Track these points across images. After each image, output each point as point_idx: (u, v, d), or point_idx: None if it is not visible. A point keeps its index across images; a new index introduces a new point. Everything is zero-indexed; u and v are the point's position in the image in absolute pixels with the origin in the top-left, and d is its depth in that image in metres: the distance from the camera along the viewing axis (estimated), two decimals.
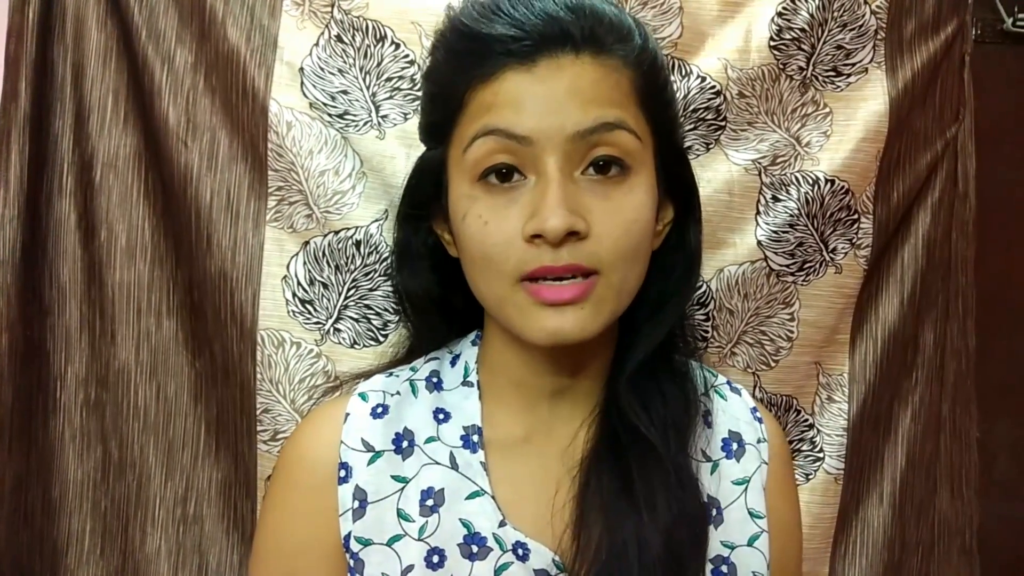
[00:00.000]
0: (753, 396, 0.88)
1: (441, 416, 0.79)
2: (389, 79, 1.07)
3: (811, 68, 1.12)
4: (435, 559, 0.73)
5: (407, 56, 1.07)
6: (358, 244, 1.07)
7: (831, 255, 1.13)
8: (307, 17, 1.08)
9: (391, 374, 0.84)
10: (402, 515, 0.75)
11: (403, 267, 0.87)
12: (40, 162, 1.08)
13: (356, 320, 1.08)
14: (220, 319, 1.08)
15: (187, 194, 1.07)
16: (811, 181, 1.10)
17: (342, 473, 0.76)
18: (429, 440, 0.77)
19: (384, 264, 1.07)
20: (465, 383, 0.81)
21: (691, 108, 1.08)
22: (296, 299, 1.08)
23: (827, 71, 1.12)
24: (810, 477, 1.15)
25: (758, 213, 1.11)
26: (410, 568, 0.73)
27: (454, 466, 0.76)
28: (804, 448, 1.15)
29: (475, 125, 0.71)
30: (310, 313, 1.08)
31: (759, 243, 1.11)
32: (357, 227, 1.07)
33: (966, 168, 1.19)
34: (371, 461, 0.76)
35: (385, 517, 0.74)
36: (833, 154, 1.11)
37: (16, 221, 1.05)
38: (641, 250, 0.72)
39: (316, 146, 1.07)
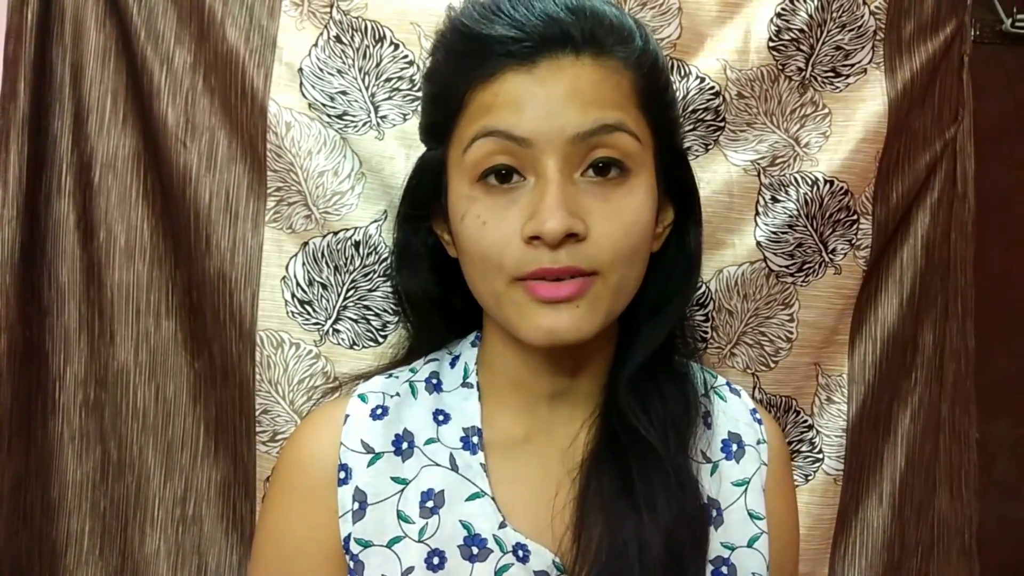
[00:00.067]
0: (752, 397, 0.88)
1: (441, 417, 0.79)
2: (388, 80, 1.07)
3: (810, 69, 1.12)
4: (435, 561, 0.73)
5: (406, 57, 1.07)
6: (357, 245, 1.07)
7: (830, 256, 1.13)
8: (306, 17, 1.08)
9: (390, 375, 0.84)
10: (402, 517, 0.75)
11: (403, 267, 0.87)
12: (39, 162, 1.08)
13: (355, 321, 1.08)
14: (219, 320, 1.08)
15: (186, 195, 1.07)
16: (810, 182, 1.10)
17: (342, 475, 0.75)
18: (429, 441, 0.77)
19: (383, 265, 1.07)
20: (465, 384, 0.81)
21: (690, 109, 1.08)
22: (295, 300, 1.08)
23: (826, 72, 1.12)
24: (809, 478, 1.15)
25: (757, 214, 1.11)
26: (410, 570, 0.73)
27: (454, 467, 0.76)
28: (803, 449, 1.15)
29: (475, 126, 0.71)
30: (309, 314, 1.08)
31: (758, 244, 1.11)
32: (356, 228, 1.07)
33: (965, 169, 1.19)
34: (371, 463, 0.76)
35: (385, 519, 0.74)
36: (832, 155, 1.11)
37: (15, 221, 1.05)
38: (640, 252, 0.72)
39: (315, 147, 1.07)
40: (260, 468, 1.09)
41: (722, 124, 1.10)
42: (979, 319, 1.21)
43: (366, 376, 0.86)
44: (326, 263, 1.08)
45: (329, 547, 0.75)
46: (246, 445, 1.09)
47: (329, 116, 1.07)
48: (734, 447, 0.82)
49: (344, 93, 1.07)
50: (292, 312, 1.08)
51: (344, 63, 1.07)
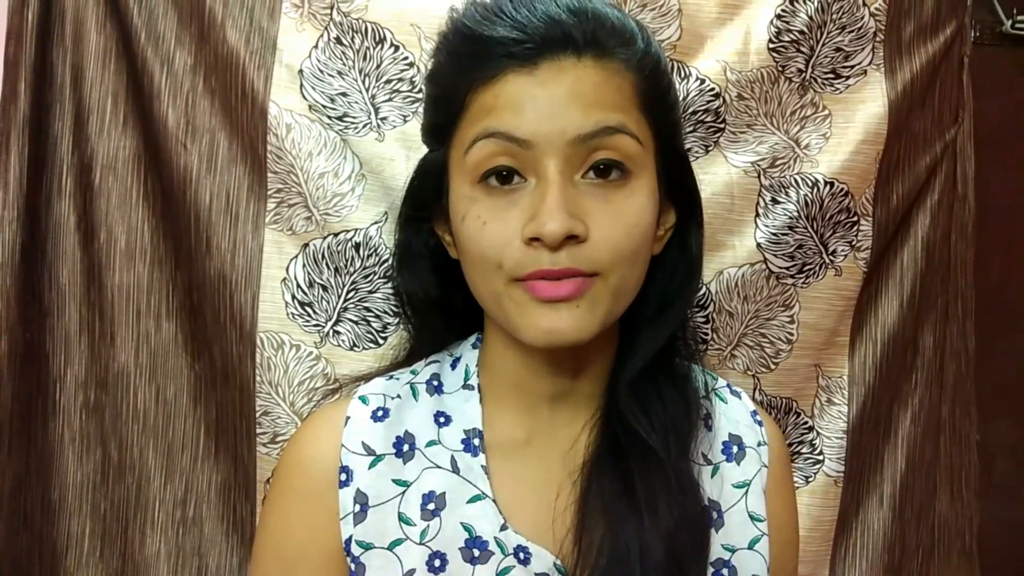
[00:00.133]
0: (753, 399, 0.88)
1: (442, 419, 0.79)
2: (388, 81, 1.07)
3: (810, 70, 1.12)
4: (436, 563, 0.73)
5: (406, 58, 1.07)
6: (357, 246, 1.07)
7: (831, 257, 1.13)
8: (306, 19, 1.08)
9: (391, 377, 0.84)
10: (403, 519, 0.74)
11: (404, 268, 0.86)
12: (39, 164, 1.08)
13: (356, 322, 1.08)
14: (219, 321, 1.08)
15: (186, 196, 1.07)
16: (810, 183, 1.10)
17: (343, 477, 0.75)
18: (430, 444, 0.77)
19: (384, 267, 1.07)
20: (466, 386, 0.81)
21: (690, 110, 1.08)
22: (295, 301, 1.08)
23: (826, 73, 1.12)
24: (810, 480, 1.15)
25: (757, 215, 1.11)
26: (411, 572, 0.73)
27: (455, 470, 0.76)
28: (804, 451, 1.15)
29: (476, 127, 0.71)
30: (309, 315, 1.08)
31: (758, 245, 1.11)
32: (356, 229, 1.07)
33: (965, 170, 1.19)
34: (372, 465, 0.76)
35: (386, 521, 0.74)
36: (832, 156, 1.11)
37: (15, 223, 1.05)
38: (641, 254, 0.72)
39: (315, 148, 1.07)
40: (260, 470, 1.09)
41: (722, 126, 1.10)
42: (979, 320, 1.21)
43: (367, 378, 0.86)
44: (326, 265, 1.08)
45: (330, 549, 0.75)
46: (246, 447, 1.09)
47: (329, 118, 1.07)
48: (735, 449, 0.81)
49: (344, 95, 1.07)
50: (292, 314, 1.08)
51: (344, 65, 1.07)
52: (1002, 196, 1.34)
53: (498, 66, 0.70)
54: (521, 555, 0.73)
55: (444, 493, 0.75)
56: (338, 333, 1.08)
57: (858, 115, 1.12)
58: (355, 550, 0.74)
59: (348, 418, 0.78)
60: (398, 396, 0.80)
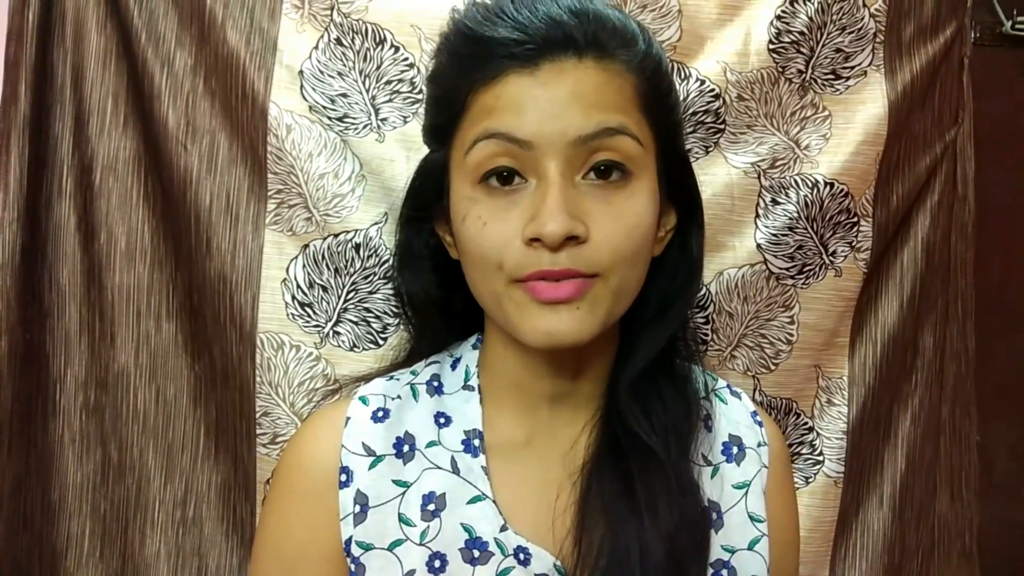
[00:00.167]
0: (753, 400, 0.88)
1: (442, 420, 0.79)
2: (389, 82, 1.07)
3: (810, 71, 1.12)
4: (436, 564, 0.73)
5: (406, 59, 1.07)
6: (357, 247, 1.07)
7: (831, 258, 1.13)
8: (307, 20, 1.08)
9: (391, 377, 0.84)
10: (403, 519, 0.74)
11: (404, 268, 0.86)
12: (40, 165, 1.08)
13: (355, 323, 1.08)
14: (219, 322, 1.08)
15: (187, 197, 1.07)
16: (810, 184, 1.10)
17: (343, 477, 0.75)
18: (430, 444, 0.77)
19: (384, 267, 1.07)
20: (466, 387, 0.81)
21: (690, 111, 1.08)
22: (295, 302, 1.08)
23: (826, 74, 1.12)
24: (810, 480, 1.15)
25: (757, 216, 1.11)
26: (411, 573, 0.73)
27: (455, 470, 0.76)
28: (804, 451, 1.15)
29: (477, 128, 0.71)
30: (309, 316, 1.08)
31: (758, 246, 1.11)
32: (356, 230, 1.07)
33: (965, 171, 1.19)
34: (372, 465, 0.76)
35: (386, 521, 0.74)
36: (832, 157, 1.11)
37: (16, 224, 1.05)
38: (641, 255, 0.72)
39: (316, 149, 1.07)
40: (260, 470, 1.09)
41: (722, 126, 1.10)
42: (979, 321, 1.21)
43: (366, 378, 0.86)
44: (326, 265, 1.08)
45: (330, 550, 0.75)
46: (246, 447, 1.10)
47: (330, 119, 1.07)
48: (735, 450, 0.81)
49: (345, 96, 1.07)
50: (292, 314, 1.08)
51: (345, 66, 1.07)
52: (1002, 197, 1.34)
53: (499, 67, 0.70)
54: (521, 556, 0.73)
55: (444, 494, 0.75)
56: (338, 334, 1.08)
57: (858, 116, 1.12)
58: (355, 551, 0.74)
59: (348, 419, 0.78)
60: (398, 397, 0.80)
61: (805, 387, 1.15)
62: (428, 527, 0.74)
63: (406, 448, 0.77)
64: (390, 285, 1.07)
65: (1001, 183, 1.33)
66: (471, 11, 0.73)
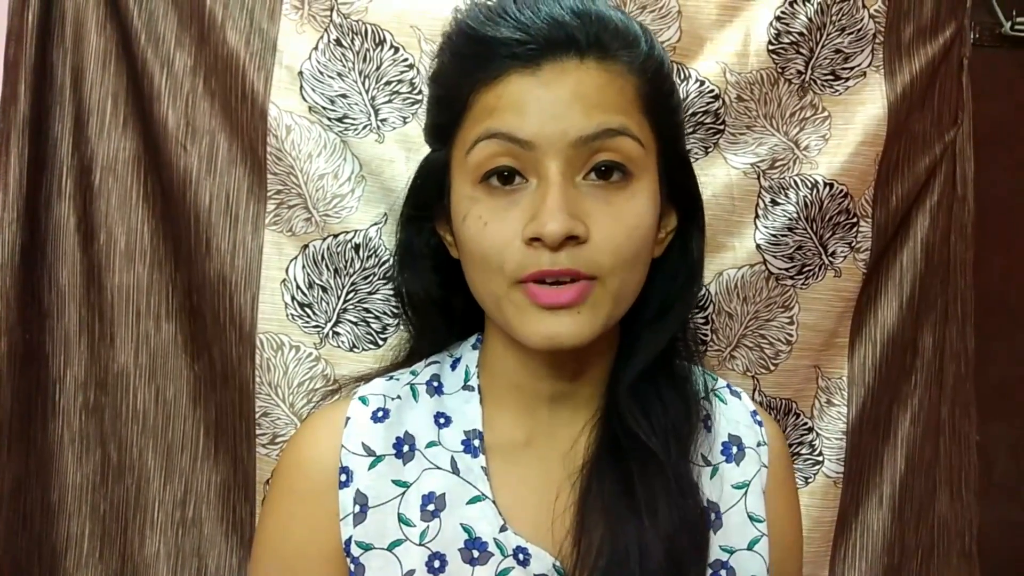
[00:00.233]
0: (753, 399, 0.88)
1: (442, 420, 0.79)
2: (388, 83, 1.07)
3: (809, 72, 1.12)
4: (436, 564, 0.73)
5: (406, 60, 1.07)
6: (357, 248, 1.07)
7: (830, 259, 1.13)
8: (306, 21, 1.08)
9: (391, 378, 0.84)
10: (403, 520, 0.74)
11: (405, 268, 0.86)
12: (39, 165, 1.08)
13: (355, 323, 1.08)
14: (219, 322, 1.08)
15: (186, 197, 1.07)
16: (810, 185, 1.11)
17: (343, 477, 0.75)
18: (430, 445, 0.77)
19: (383, 268, 1.07)
20: (466, 387, 0.81)
21: (689, 112, 1.08)
22: (295, 302, 1.08)
23: (825, 75, 1.12)
24: (809, 481, 1.15)
25: (757, 217, 1.11)
26: (411, 573, 0.73)
27: (455, 471, 0.76)
28: (803, 452, 1.15)
29: (478, 128, 0.71)
30: (309, 316, 1.08)
31: (758, 247, 1.11)
32: (356, 231, 1.07)
33: (965, 171, 1.19)
34: (372, 465, 0.76)
35: (386, 522, 0.74)
36: (832, 158, 1.11)
37: (15, 224, 1.05)
38: (641, 256, 0.72)
39: (315, 150, 1.07)
40: (260, 471, 1.09)
41: (722, 127, 1.10)
42: (979, 321, 1.21)
43: (366, 378, 0.86)
44: (326, 266, 1.08)
45: (330, 550, 0.75)
46: (246, 447, 1.10)
47: (329, 119, 1.07)
48: (734, 449, 0.81)
49: (344, 96, 1.07)
50: (292, 315, 1.08)
51: (344, 66, 1.07)
52: (1002, 197, 1.34)
53: (501, 67, 0.70)
54: (520, 556, 0.73)
55: (444, 494, 0.75)
56: (337, 334, 1.08)
57: (857, 116, 1.12)
58: (355, 551, 0.74)
59: (348, 419, 0.78)
60: (398, 397, 0.80)
61: (805, 387, 1.15)
62: (428, 527, 0.74)
63: (406, 448, 0.77)
64: (390, 285, 1.07)
65: (1001, 183, 1.33)
66: (474, 11, 0.74)
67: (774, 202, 1.11)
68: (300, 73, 1.07)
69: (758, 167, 1.10)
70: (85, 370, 1.11)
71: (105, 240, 1.10)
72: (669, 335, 0.79)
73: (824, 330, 1.14)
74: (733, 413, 0.84)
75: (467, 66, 0.72)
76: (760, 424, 0.84)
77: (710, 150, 1.10)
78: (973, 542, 1.21)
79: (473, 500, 0.75)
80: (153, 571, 1.11)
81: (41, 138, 1.08)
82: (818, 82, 1.12)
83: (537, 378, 0.78)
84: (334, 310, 1.08)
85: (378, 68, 1.07)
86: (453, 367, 0.83)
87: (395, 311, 1.07)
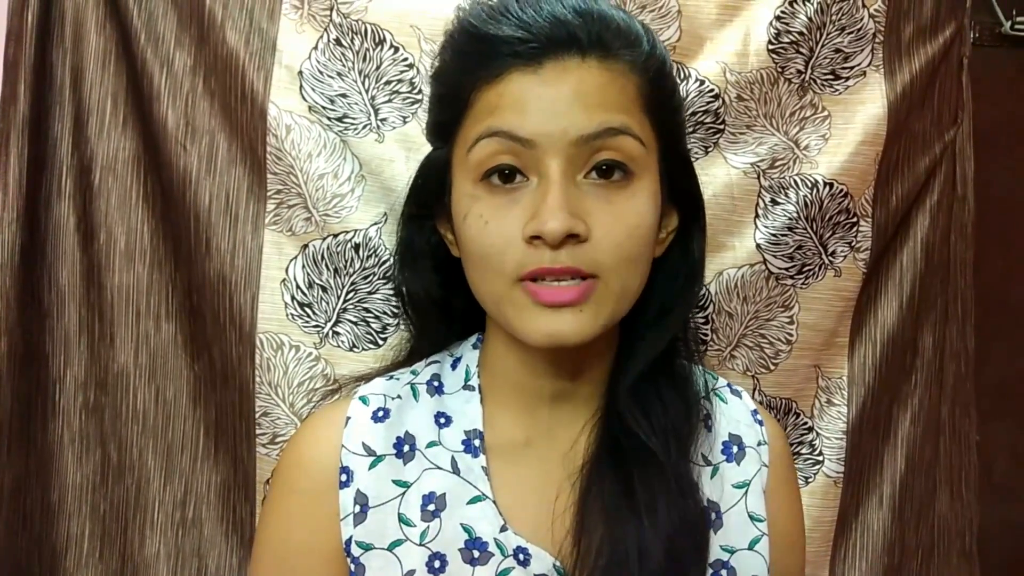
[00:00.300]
0: (753, 399, 0.88)
1: (442, 420, 0.79)
2: (388, 82, 1.07)
3: (809, 71, 1.12)
4: (436, 564, 0.73)
5: (406, 59, 1.07)
6: (357, 247, 1.07)
7: (830, 258, 1.13)
8: (306, 20, 1.08)
9: (391, 377, 0.84)
10: (403, 520, 0.74)
11: (405, 266, 0.86)
12: (39, 165, 1.08)
13: (355, 323, 1.08)
14: (219, 322, 1.08)
15: (186, 197, 1.07)
16: (810, 184, 1.11)
17: (343, 477, 0.75)
18: (430, 444, 0.77)
19: (383, 267, 1.07)
20: (466, 387, 0.81)
21: (689, 111, 1.08)
22: (295, 302, 1.08)
23: (825, 74, 1.12)
24: (810, 480, 1.15)
25: (757, 216, 1.11)
26: (411, 573, 0.73)
27: (455, 471, 0.76)
28: (803, 451, 1.15)
29: (479, 126, 0.71)
30: (309, 316, 1.08)
31: (758, 246, 1.11)
32: (356, 230, 1.07)
33: (965, 171, 1.19)
34: (372, 465, 0.76)
35: (386, 522, 0.74)
36: (832, 157, 1.11)
37: (15, 224, 1.05)
38: (642, 256, 0.72)
39: (315, 149, 1.07)
40: (260, 470, 1.09)
41: (722, 127, 1.10)
42: (979, 321, 1.21)
43: (366, 378, 0.86)
44: (326, 266, 1.08)
45: (330, 549, 0.75)
46: (246, 447, 1.09)
47: (329, 119, 1.07)
48: (735, 449, 0.81)
49: (344, 96, 1.07)
50: (292, 315, 1.08)
51: (344, 66, 1.07)
52: (1002, 197, 1.34)
53: (503, 65, 0.70)
54: (521, 556, 0.73)
55: (444, 494, 0.75)
56: (337, 334, 1.08)
57: (857, 116, 1.12)
58: (355, 551, 0.74)
59: (348, 418, 0.78)
60: (398, 396, 0.80)
61: (805, 387, 1.15)
62: (428, 527, 0.74)
63: (406, 448, 0.77)
64: (390, 285, 1.07)
65: (1001, 183, 1.33)
66: (476, 9, 0.74)
67: (774, 202, 1.11)
68: (300, 73, 1.07)
69: (758, 167, 1.10)
70: (85, 370, 1.11)
71: (105, 240, 1.10)
72: (670, 335, 0.79)
73: (824, 330, 1.14)
74: (734, 412, 0.84)
75: (469, 64, 0.72)
76: (761, 423, 0.84)
77: (710, 150, 1.10)
78: (973, 542, 1.21)
79: (473, 500, 0.75)
80: (153, 571, 1.11)
81: (41, 138, 1.08)
82: (818, 81, 1.12)
83: (537, 377, 0.78)
84: (334, 310, 1.08)
85: (378, 68, 1.07)
86: (453, 367, 0.83)
87: (395, 311, 1.07)
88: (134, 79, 1.09)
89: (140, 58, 1.07)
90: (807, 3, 1.09)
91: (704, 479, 0.79)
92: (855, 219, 1.13)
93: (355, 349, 1.08)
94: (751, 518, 0.79)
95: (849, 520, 1.18)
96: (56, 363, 1.11)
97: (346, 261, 1.08)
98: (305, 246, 1.08)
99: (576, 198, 0.69)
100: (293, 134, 1.06)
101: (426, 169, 0.81)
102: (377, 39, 1.07)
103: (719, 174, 1.10)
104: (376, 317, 1.08)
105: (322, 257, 1.08)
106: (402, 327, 1.05)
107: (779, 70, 1.10)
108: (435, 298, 0.85)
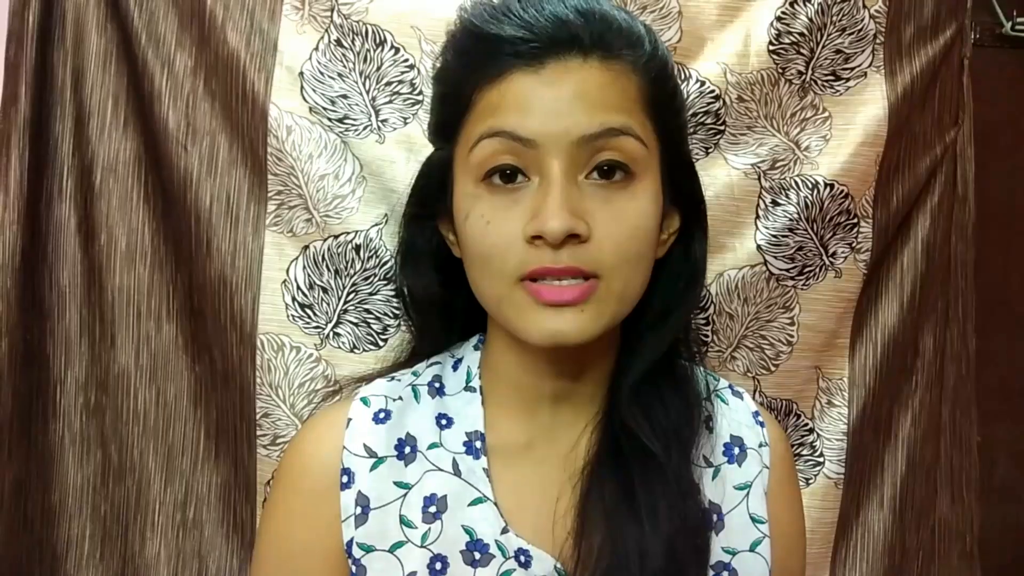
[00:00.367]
0: (754, 400, 0.88)
1: (444, 422, 0.79)
2: (389, 83, 1.07)
3: (810, 72, 1.12)
4: (438, 566, 0.73)
5: (407, 60, 1.07)
6: (358, 248, 1.07)
7: (831, 259, 1.13)
8: (307, 21, 1.08)
9: (393, 378, 0.84)
10: (405, 521, 0.74)
11: (407, 266, 0.86)
12: (40, 166, 1.08)
13: (356, 324, 1.08)
14: (220, 323, 1.08)
15: (187, 198, 1.07)
16: (810, 185, 1.10)
17: (344, 479, 0.75)
18: (432, 446, 0.77)
19: (384, 268, 1.07)
20: (467, 388, 0.80)
21: (690, 112, 1.08)
22: (296, 303, 1.08)
23: (826, 75, 1.12)
24: (810, 482, 1.15)
25: (757, 217, 1.11)
26: (413, 574, 0.73)
27: (457, 472, 0.76)
28: (804, 453, 1.15)
29: (481, 126, 0.71)
30: (310, 317, 1.08)
31: (759, 247, 1.11)
32: (357, 231, 1.07)
33: (965, 172, 1.19)
34: (373, 467, 0.76)
35: (388, 523, 0.74)
36: (832, 158, 1.11)
37: (16, 225, 1.05)
38: (644, 256, 0.72)
39: (316, 150, 1.07)
40: (261, 472, 1.09)
41: (722, 128, 1.10)
42: (979, 322, 1.21)
43: (367, 379, 0.86)
44: (327, 267, 1.08)
45: (331, 551, 0.75)
46: (247, 449, 1.09)
47: (330, 120, 1.07)
48: (736, 450, 0.81)
49: (345, 97, 1.07)
50: (293, 316, 1.08)
51: (345, 67, 1.07)
52: (1002, 198, 1.34)
53: (504, 65, 0.70)
54: (522, 558, 0.73)
55: (445, 496, 0.75)
56: (338, 335, 1.08)
57: (858, 117, 1.12)
58: (356, 552, 0.74)
59: (350, 420, 0.78)
60: (400, 398, 0.80)
61: (805, 388, 1.15)
62: (429, 529, 0.74)
63: (407, 450, 0.77)
64: (390, 286, 1.07)
65: (1001, 184, 1.33)
66: (478, 9, 0.74)
67: (775, 203, 1.11)
68: (301, 74, 1.07)
69: (759, 167, 1.10)
70: (86, 371, 1.11)
71: (106, 241, 1.09)
72: (671, 337, 0.79)
73: (825, 331, 1.14)
74: (735, 414, 0.84)
75: (471, 64, 0.73)
76: (762, 425, 0.84)
77: (711, 150, 1.10)
78: (974, 543, 1.20)
79: (475, 502, 0.75)
80: (154, 573, 1.11)
81: (42, 139, 1.08)
82: (819, 82, 1.12)
83: (539, 377, 0.78)
84: (335, 311, 1.08)
85: (379, 69, 1.07)
86: (455, 368, 0.83)
87: (396, 312, 1.07)
88: (135, 80, 1.09)
89: (141, 59, 1.07)
90: (808, 4, 1.09)
91: (705, 481, 0.78)
92: (856, 220, 1.13)
93: (356, 350, 1.08)
94: (752, 520, 0.79)
95: (850, 521, 1.17)
96: (57, 364, 1.10)
97: (347, 262, 1.08)
98: (306, 247, 1.08)
99: (577, 198, 0.69)
100: (294, 135, 1.06)
101: (428, 169, 0.81)
102: (378, 40, 1.07)
103: (720, 175, 1.10)
104: (377, 318, 1.08)
105: (323, 258, 1.08)
106: (403, 328, 1.05)
107: (780, 71, 1.10)
108: (436, 299, 0.85)
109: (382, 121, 1.07)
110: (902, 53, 1.15)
